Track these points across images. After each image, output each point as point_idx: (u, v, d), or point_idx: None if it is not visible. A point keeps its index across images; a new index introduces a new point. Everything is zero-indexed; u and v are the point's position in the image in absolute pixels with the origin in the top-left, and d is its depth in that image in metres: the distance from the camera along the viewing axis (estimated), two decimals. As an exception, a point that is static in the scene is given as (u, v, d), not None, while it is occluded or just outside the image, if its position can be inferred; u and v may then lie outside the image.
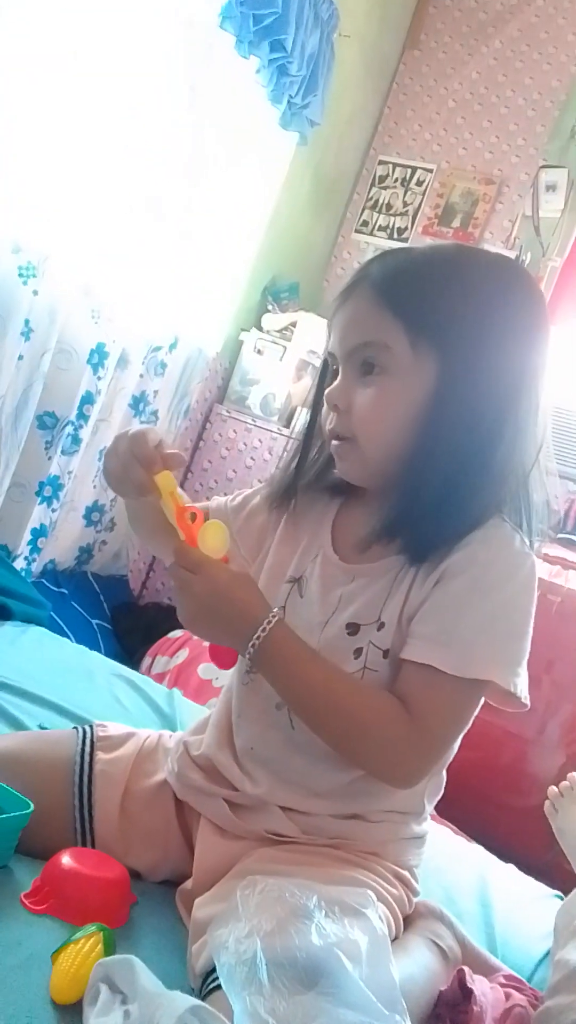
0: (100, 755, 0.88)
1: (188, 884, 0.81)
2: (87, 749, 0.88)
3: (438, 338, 0.74)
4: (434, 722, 0.73)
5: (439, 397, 0.74)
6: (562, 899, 1.07)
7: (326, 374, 0.82)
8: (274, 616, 0.74)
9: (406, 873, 0.83)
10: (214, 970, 0.66)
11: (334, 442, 0.80)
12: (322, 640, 0.80)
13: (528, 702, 0.75)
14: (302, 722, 0.77)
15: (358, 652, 0.78)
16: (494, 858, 1.23)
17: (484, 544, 0.74)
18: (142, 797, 0.86)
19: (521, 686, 0.74)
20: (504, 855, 1.26)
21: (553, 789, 1.23)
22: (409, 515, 0.76)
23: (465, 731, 0.78)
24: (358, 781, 0.79)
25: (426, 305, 0.74)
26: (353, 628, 0.79)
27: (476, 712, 0.77)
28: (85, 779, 0.86)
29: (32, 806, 0.76)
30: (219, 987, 0.64)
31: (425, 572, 0.76)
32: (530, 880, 1.19)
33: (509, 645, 0.74)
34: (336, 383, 0.79)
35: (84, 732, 0.90)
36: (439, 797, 0.86)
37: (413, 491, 0.75)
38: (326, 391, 0.80)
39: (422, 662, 0.73)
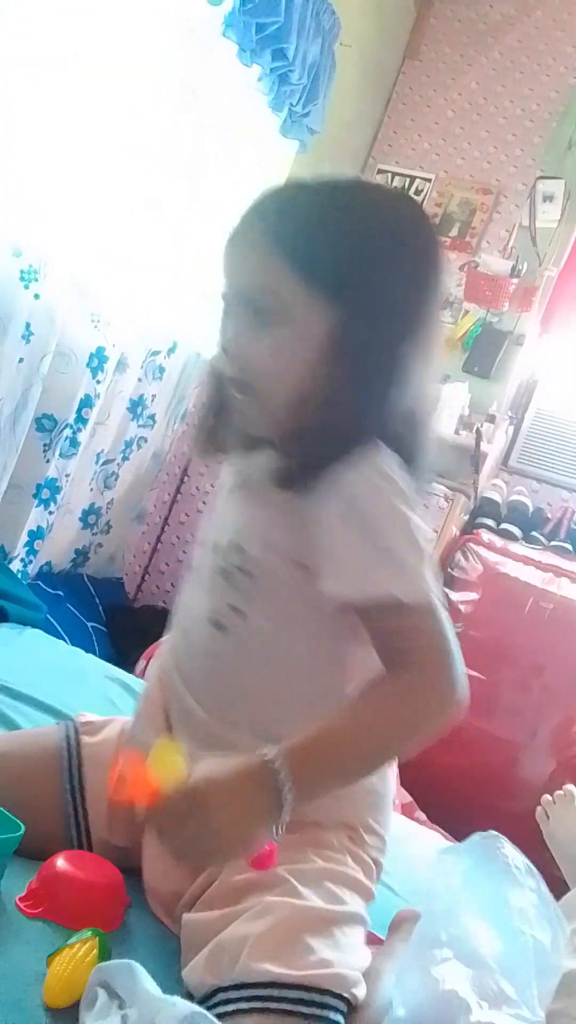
0: (85, 739, 0.89)
1: (150, 881, 0.81)
2: (72, 735, 0.89)
3: (328, 282, 0.72)
4: (418, 649, 0.71)
5: (330, 343, 0.72)
6: (553, 906, 1.08)
7: (223, 317, 0.79)
8: (274, 759, 0.66)
9: (362, 832, 0.80)
10: (209, 996, 0.66)
11: (234, 394, 0.78)
12: (201, 562, 0.83)
13: (431, 598, 0.71)
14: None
15: (224, 573, 0.80)
16: (485, 864, 1.23)
17: (350, 469, 0.72)
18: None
19: (422, 587, 0.71)
20: (495, 862, 1.26)
21: (546, 797, 1.24)
22: (289, 445, 0.75)
23: (447, 621, 0.73)
24: (271, 706, 0.78)
25: (315, 247, 0.72)
26: (218, 549, 0.81)
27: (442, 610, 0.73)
28: (75, 764, 0.87)
29: (23, 828, 0.75)
30: (224, 1016, 0.63)
31: (295, 501, 0.74)
32: (521, 887, 1.20)
33: (395, 557, 0.71)
34: (229, 325, 0.76)
35: (67, 724, 0.92)
36: None
37: (299, 425, 0.74)
38: (221, 338, 0.78)
39: (326, 591, 0.72)
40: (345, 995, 0.66)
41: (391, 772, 0.87)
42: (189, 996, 0.70)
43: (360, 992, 0.68)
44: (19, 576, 1.85)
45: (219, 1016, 0.64)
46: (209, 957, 0.68)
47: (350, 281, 0.72)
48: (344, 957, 0.68)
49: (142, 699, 0.92)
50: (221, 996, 0.65)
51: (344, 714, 0.72)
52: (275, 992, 0.64)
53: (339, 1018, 0.65)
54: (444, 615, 0.73)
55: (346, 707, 0.72)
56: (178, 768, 0.63)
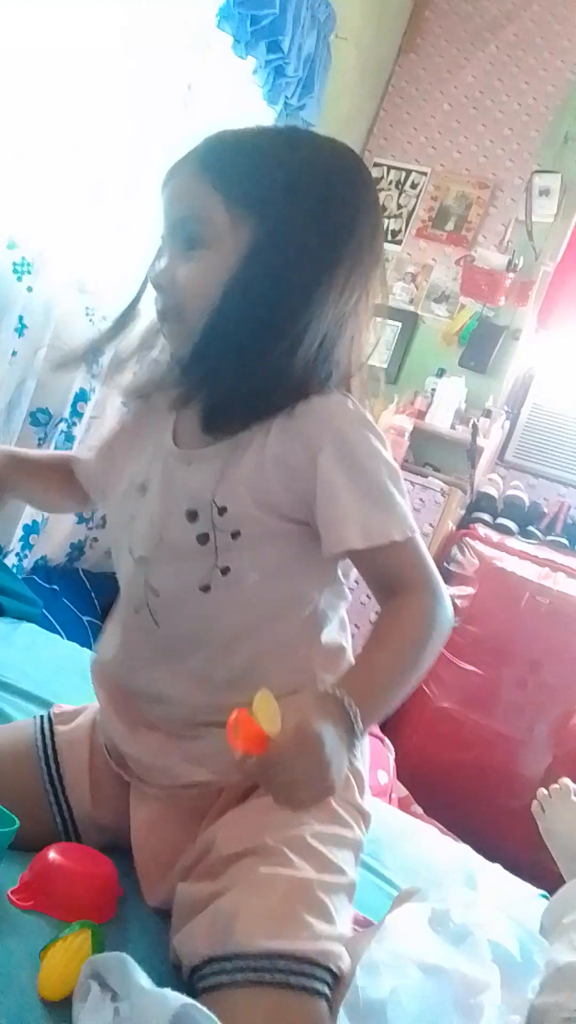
0: (59, 728, 0.91)
1: (140, 863, 0.82)
2: (46, 726, 0.91)
3: (254, 205, 0.74)
4: (421, 577, 0.75)
5: (250, 262, 0.74)
6: (548, 899, 1.08)
7: (158, 257, 0.81)
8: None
9: (347, 780, 0.80)
10: (202, 966, 0.67)
11: (163, 324, 0.79)
12: (165, 532, 0.79)
13: (416, 532, 0.76)
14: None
15: (203, 539, 0.77)
16: (481, 858, 1.24)
17: (332, 415, 0.75)
18: (105, 760, 0.88)
19: (412, 524, 0.75)
20: (491, 854, 1.26)
21: (543, 791, 1.24)
22: (220, 385, 0.75)
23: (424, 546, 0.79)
24: (236, 670, 0.79)
25: (243, 174, 0.74)
26: (192, 514, 0.77)
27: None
28: (50, 753, 0.88)
29: (18, 822, 0.75)
30: (215, 987, 0.65)
31: (273, 449, 0.75)
32: (517, 880, 1.20)
33: (389, 500, 0.75)
34: (162, 261, 0.78)
35: (41, 715, 0.93)
36: (341, 672, 0.82)
37: (225, 360, 0.75)
38: (150, 274, 0.79)
39: (341, 550, 0.74)
40: (332, 968, 0.67)
41: None
42: (177, 969, 0.70)
43: (344, 965, 0.68)
44: (14, 571, 1.84)
45: (211, 987, 0.65)
46: (204, 927, 0.68)
47: (271, 203, 0.74)
48: (334, 930, 0.69)
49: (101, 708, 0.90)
50: (215, 967, 0.66)
51: (374, 646, 0.75)
52: (267, 963, 0.65)
53: (325, 990, 0.66)
54: (421, 541, 0.77)
55: (372, 640, 0.76)
56: (277, 715, 0.65)
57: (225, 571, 0.77)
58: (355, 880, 0.76)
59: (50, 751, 0.89)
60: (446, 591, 0.77)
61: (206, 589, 0.78)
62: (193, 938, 0.69)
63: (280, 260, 0.74)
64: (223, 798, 0.80)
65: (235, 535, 0.76)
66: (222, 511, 0.76)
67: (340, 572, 0.83)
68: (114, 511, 0.88)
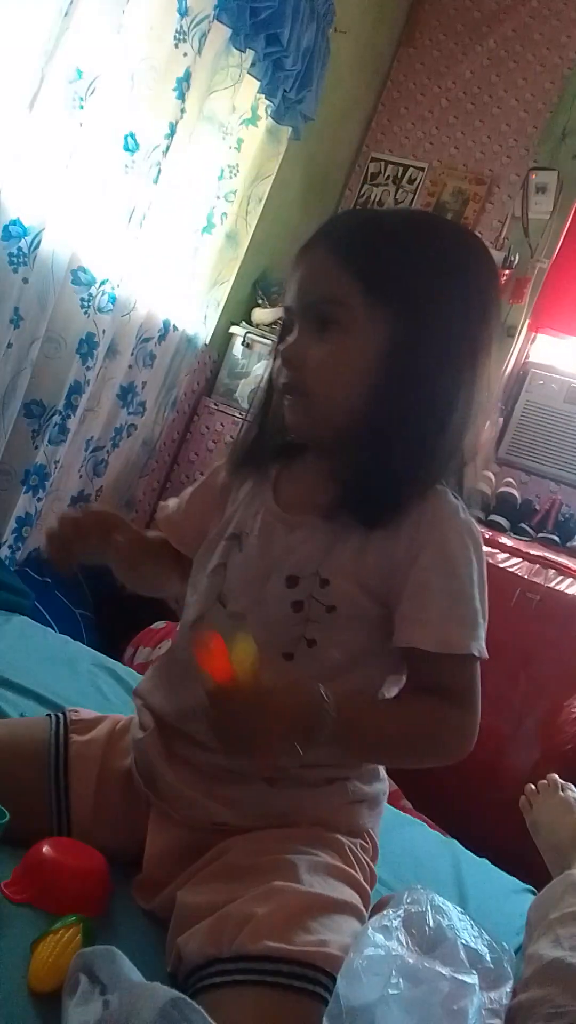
0: (74, 737, 0.89)
1: (142, 874, 0.82)
2: (61, 732, 0.89)
3: (393, 297, 0.74)
4: (464, 696, 0.78)
5: (391, 356, 0.75)
6: (535, 893, 1.09)
7: (283, 331, 0.82)
8: (322, 687, 0.72)
9: (364, 841, 0.83)
10: (204, 966, 0.67)
11: (285, 397, 0.81)
12: (263, 594, 0.80)
13: (486, 654, 0.78)
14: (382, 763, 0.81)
15: (297, 605, 0.78)
16: (469, 852, 1.25)
17: (439, 517, 0.77)
18: (116, 777, 0.87)
19: (482, 646, 0.77)
20: (479, 849, 1.27)
21: (530, 786, 1.25)
22: (361, 475, 0.77)
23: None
24: None
25: (383, 262, 0.75)
26: (292, 581, 0.79)
27: None
28: (61, 762, 0.87)
29: (8, 815, 0.76)
30: (209, 988, 0.65)
31: (380, 536, 0.77)
32: (504, 875, 1.21)
33: (474, 615, 0.77)
34: (290, 338, 0.79)
35: (57, 717, 0.91)
36: None
37: (368, 452, 0.76)
38: (280, 347, 0.80)
39: (409, 646, 0.76)
40: (334, 974, 0.67)
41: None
42: (173, 977, 0.71)
43: None
44: (6, 563, 1.84)
45: (213, 987, 0.66)
46: (212, 928, 0.69)
47: (413, 295, 0.75)
48: (339, 939, 0.69)
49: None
50: (218, 967, 0.66)
51: (394, 707, 0.80)
52: (269, 966, 0.65)
53: (326, 995, 0.66)
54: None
55: (397, 703, 0.80)
56: (250, 662, 0.68)
57: (312, 643, 0.78)
58: (363, 911, 0.76)
59: (62, 760, 0.87)
60: (479, 719, 0.79)
61: (289, 657, 0.79)
62: (199, 938, 0.69)
63: (422, 354, 0.75)
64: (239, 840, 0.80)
65: (330, 609, 0.78)
66: (324, 583, 0.78)
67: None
68: (200, 554, 0.88)
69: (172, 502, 0.97)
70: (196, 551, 0.91)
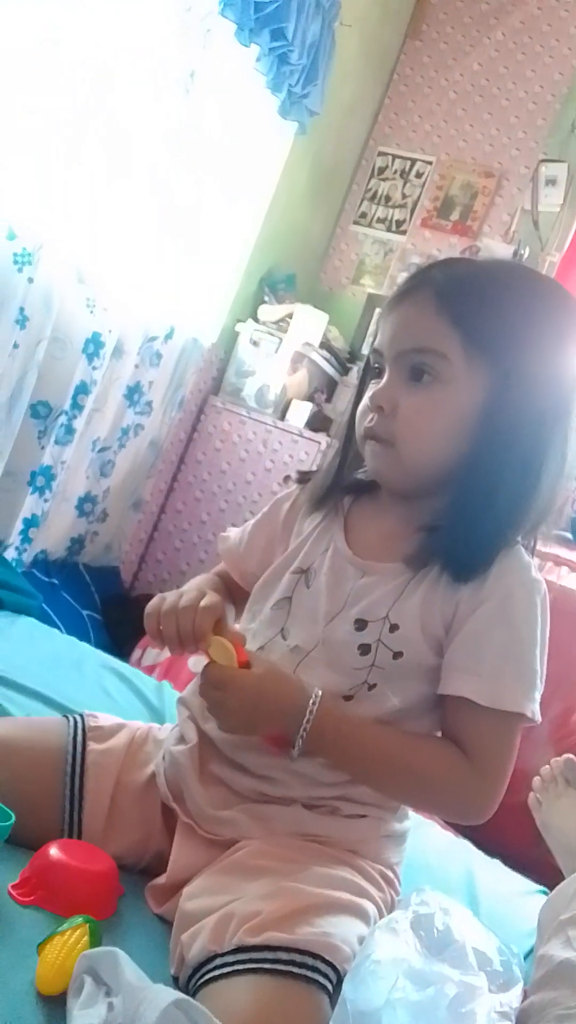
0: (92, 745, 0.88)
1: (161, 880, 0.81)
2: (79, 739, 0.88)
3: (493, 352, 0.74)
4: (489, 759, 0.76)
5: (489, 411, 0.75)
6: (547, 894, 1.08)
7: (368, 372, 0.83)
8: (316, 697, 0.75)
9: (389, 873, 0.83)
10: (205, 963, 0.67)
11: (370, 442, 0.80)
12: (327, 632, 0.80)
13: (540, 718, 0.77)
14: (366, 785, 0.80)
15: (365, 648, 0.79)
16: (481, 853, 1.24)
17: (508, 571, 0.76)
18: (132, 789, 0.86)
19: (536, 708, 0.76)
20: (491, 850, 1.26)
21: (536, 780, 1.24)
22: (457, 528, 0.76)
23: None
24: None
25: (485, 318, 0.75)
26: (361, 624, 0.79)
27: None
28: (77, 769, 0.85)
29: (13, 817, 0.75)
30: (212, 980, 0.65)
31: (448, 585, 0.77)
32: (516, 875, 1.20)
33: (530, 675, 0.76)
34: (383, 384, 0.78)
35: (75, 721, 0.90)
36: None
37: (465, 506, 0.76)
38: (371, 391, 0.80)
39: (455, 694, 0.75)
40: (336, 965, 0.66)
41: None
42: (176, 980, 0.70)
43: (350, 967, 0.68)
44: (14, 564, 1.84)
45: (213, 979, 0.65)
46: (215, 926, 0.68)
47: (511, 352, 0.74)
48: (343, 934, 0.69)
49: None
50: (218, 961, 0.66)
51: (389, 729, 0.78)
52: (269, 955, 0.65)
53: (327, 984, 0.65)
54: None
55: (410, 737, 0.79)
56: (228, 656, 0.76)
57: (372, 687, 0.79)
58: (372, 917, 0.75)
59: (78, 768, 0.86)
60: (503, 787, 0.77)
61: (349, 698, 0.79)
62: (203, 935, 0.69)
63: (520, 413, 0.74)
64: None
65: (397, 655, 0.78)
66: (394, 628, 0.78)
67: None
68: (262, 584, 0.89)
69: (234, 533, 0.97)
70: (248, 572, 0.92)
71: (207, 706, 0.77)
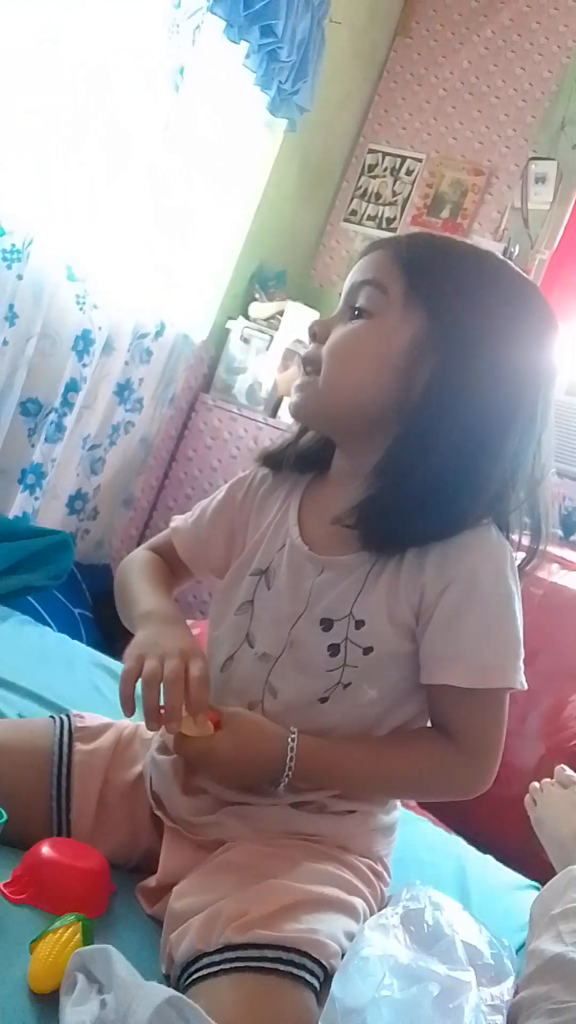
0: (79, 746, 0.87)
1: (151, 881, 0.81)
2: (65, 740, 0.87)
3: (434, 302, 0.73)
4: (479, 738, 0.77)
5: (415, 358, 0.73)
6: (539, 890, 1.08)
7: None
8: (293, 742, 0.75)
9: (378, 867, 0.83)
10: (194, 960, 0.67)
11: (301, 376, 0.79)
12: (293, 635, 0.79)
13: (526, 685, 0.76)
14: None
15: (334, 649, 0.77)
16: (472, 849, 1.24)
17: (470, 548, 0.74)
18: (120, 789, 0.86)
19: (522, 678, 0.76)
20: (484, 846, 1.27)
21: (535, 784, 1.24)
22: (375, 506, 0.74)
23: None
24: None
25: (433, 266, 0.75)
26: (327, 623, 0.78)
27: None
28: (64, 770, 0.85)
29: (5, 816, 0.75)
30: (200, 979, 0.65)
31: (409, 571, 0.75)
32: (508, 871, 1.21)
33: (511, 647, 0.75)
34: (327, 316, 0.79)
35: (61, 722, 0.90)
36: None
37: (396, 481, 0.74)
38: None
39: (440, 683, 0.75)
40: (323, 963, 0.66)
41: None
42: (169, 978, 0.70)
43: (337, 964, 0.68)
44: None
45: (200, 978, 0.65)
46: (202, 925, 0.68)
47: (452, 304, 0.73)
48: (330, 930, 0.69)
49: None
50: (205, 960, 0.66)
51: (385, 748, 0.78)
52: (254, 952, 0.65)
53: (314, 981, 0.65)
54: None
55: (388, 741, 0.79)
56: (199, 726, 0.74)
57: (347, 684, 0.78)
58: (363, 915, 0.75)
59: (65, 769, 0.85)
60: (497, 761, 0.78)
61: (324, 700, 0.78)
62: (191, 934, 0.68)
63: (449, 372, 0.72)
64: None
65: (368, 651, 0.76)
66: (359, 624, 0.76)
67: None
68: (224, 588, 0.86)
69: (184, 524, 0.93)
70: (199, 560, 0.90)
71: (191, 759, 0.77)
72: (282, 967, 0.64)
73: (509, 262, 0.81)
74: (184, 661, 0.73)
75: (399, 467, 0.74)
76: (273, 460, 0.87)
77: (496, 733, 0.77)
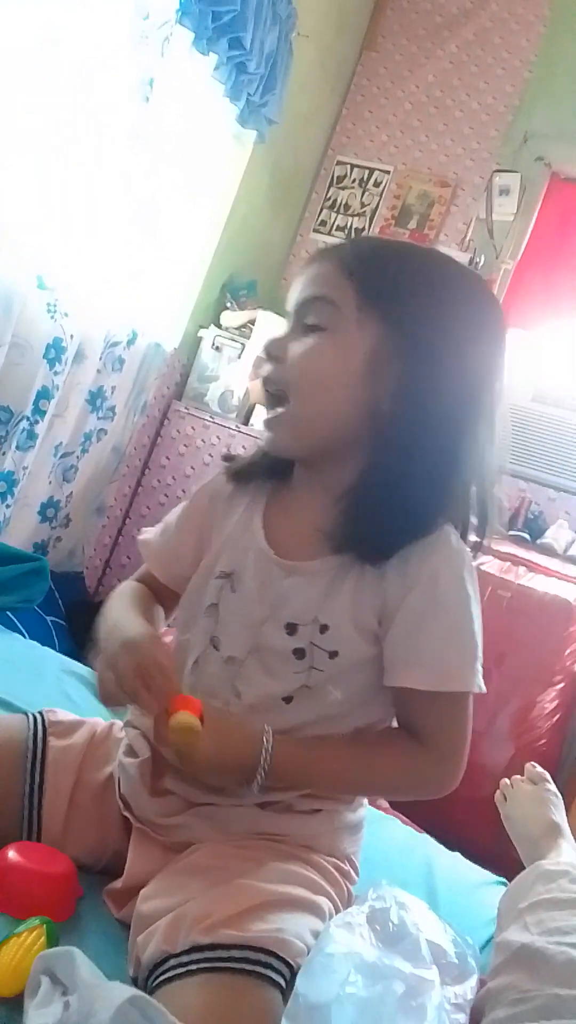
0: (53, 741, 0.87)
1: (118, 883, 0.80)
2: (39, 734, 0.87)
3: (385, 306, 0.73)
4: (445, 739, 0.78)
5: (379, 364, 0.73)
6: (506, 886, 1.10)
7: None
8: (268, 744, 0.75)
9: (344, 865, 0.84)
10: (161, 963, 0.67)
11: (266, 415, 0.79)
12: (258, 639, 0.79)
13: (484, 688, 0.77)
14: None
15: (299, 653, 0.78)
16: (441, 847, 1.25)
17: (430, 552, 0.75)
18: (91, 790, 0.86)
19: (480, 681, 0.77)
20: (454, 845, 1.28)
21: (505, 781, 1.26)
22: (358, 513, 0.75)
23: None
24: None
25: (382, 273, 0.74)
26: (292, 628, 0.78)
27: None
28: (37, 765, 0.85)
29: None
30: (167, 981, 0.65)
31: (372, 576, 0.76)
32: (475, 868, 1.22)
33: (470, 650, 0.76)
34: (279, 335, 0.78)
35: (35, 718, 0.90)
36: None
37: (364, 488, 0.74)
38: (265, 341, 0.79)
39: (402, 686, 0.75)
40: (290, 961, 0.66)
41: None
42: (136, 981, 0.70)
43: (303, 960, 0.68)
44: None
45: (167, 980, 0.65)
46: (168, 926, 0.68)
47: (406, 310, 0.73)
48: (295, 929, 0.69)
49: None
50: (172, 962, 0.66)
51: (356, 750, 0.79)
52: (221, 952, 0.65)
53: (280, 980, 0.65)
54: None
55: (362, 747, 0.79)
56: (187, 730, 0.72)
57: (312, 687, 0.78)
58: (328, 914, 0.75)
59: (38, 764, 0.85)
60: (464, 760, 0.78)
61: (288, 700, 0.79)
62: (156, 937, 0.68)
63: (413, 377, 0.72)
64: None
65: (333, 655, 0.77)
66: (323, 629, 0.77)
67: None
68: (191, 590, 0.86)
69: (154, 536, 0.92)
70: (174, 574, 0.89)
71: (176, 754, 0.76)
72: (248, 967, 0.64)
73: (451, 256, 0.81)
74: (152, 646, 0.74)
75: (383, 476, 0.74)
76: (240, 476, 0.87)
77: (461, 733, 0.78)
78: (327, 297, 0.74)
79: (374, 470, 0.74)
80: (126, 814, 0.83)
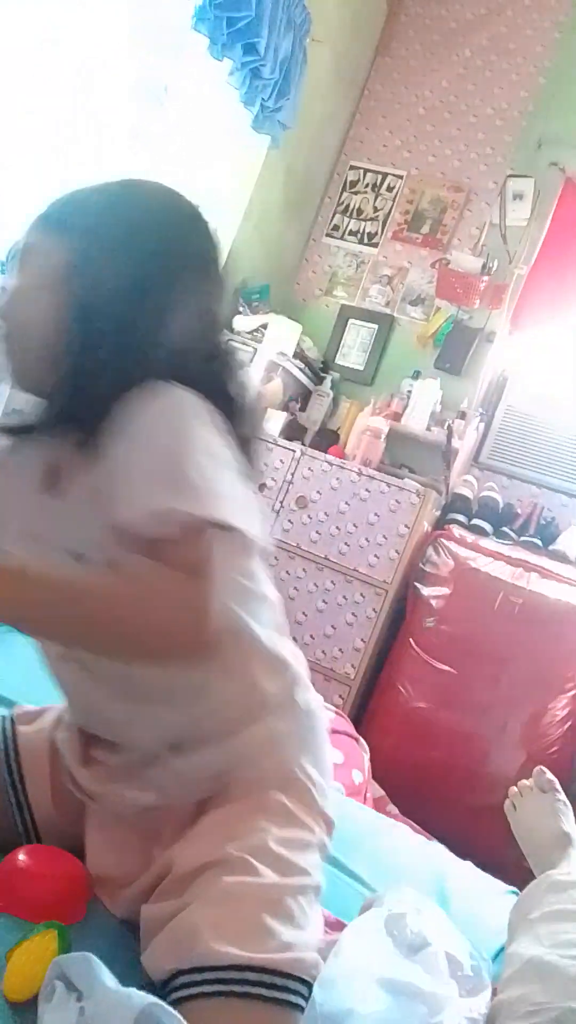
0: (21, 728, 0.90)
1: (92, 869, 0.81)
2: (8, 725, 0.91)
3: (67, 229, 0.79)
4: (185, 558, 0.66)
5: (66, 281, 0.77)
6: (518, 895, 1.09)
7: None
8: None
9: (301, 776, 0.79)
10: (169, 981, 0.66)
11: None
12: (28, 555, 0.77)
13: (243, 528, 0.67)
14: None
15: (79, 557, 0.76)
16: (452, 855, 1.25)
17: (129, 403, 0.71)
18: (66, 770, 0.87)
19: (224, 515, 0.66)
20: (464, 853, 1.27)
21: (514, 788, 1.25)
22: (62, 393, 0.76)
23: (228, 572, 0.69)
24: (175, 691, 0.77)
25: (66, 203, 0.82)
26: (77, 557, 0.75)
27: (241, 554, 0.71)
28: (12, 753, 0.88)
29: None
30: (182, 999, 0.63)
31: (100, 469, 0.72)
32: (487, 877, 1.21)
33: (197, 481, 0.67)
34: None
35: (3, 717, 0.93)
36: (283, 681, 0.82)
37: (59, 379, 0.75)
38: None
39: (120, 522, 0.67)
40: (306, 978, 0.66)
41: (317, 702, 0.85)
42: (150, 985, 0.70)
43: (319, 972, 0.68)
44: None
45: (180, 1000, 0.64)
46: (166, 941, 0.68)
47: (86, 229, 0.79)
48: (304, 937, 0.68)
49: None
50: (182, 979, 0.65)
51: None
52: (235, 975, 0.64)
53: (300, 1002, 0.65)
54: (235, 553, 0.69)
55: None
56: None
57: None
58: (321, 882, 0.75)
59: (12, 752, 0.89)
60: (212, 593, 0.65)
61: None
62: (157, 954, 0.68)
63: (91, 275, 0.77)
64: (175, 819, 0.79)
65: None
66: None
67: (246, 578, 0.78)
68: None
69: None
70: None
71: None
72: (266, 992, 0.64)
73: (146, 183, 0.89)
74: None
75: (68, 361, 0.75)
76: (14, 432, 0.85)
77: (204, 556, 0.66)
78: (26, 242, 0.81)
79: (63, 360, 0.76)
80: (71, 788, 0.85)
